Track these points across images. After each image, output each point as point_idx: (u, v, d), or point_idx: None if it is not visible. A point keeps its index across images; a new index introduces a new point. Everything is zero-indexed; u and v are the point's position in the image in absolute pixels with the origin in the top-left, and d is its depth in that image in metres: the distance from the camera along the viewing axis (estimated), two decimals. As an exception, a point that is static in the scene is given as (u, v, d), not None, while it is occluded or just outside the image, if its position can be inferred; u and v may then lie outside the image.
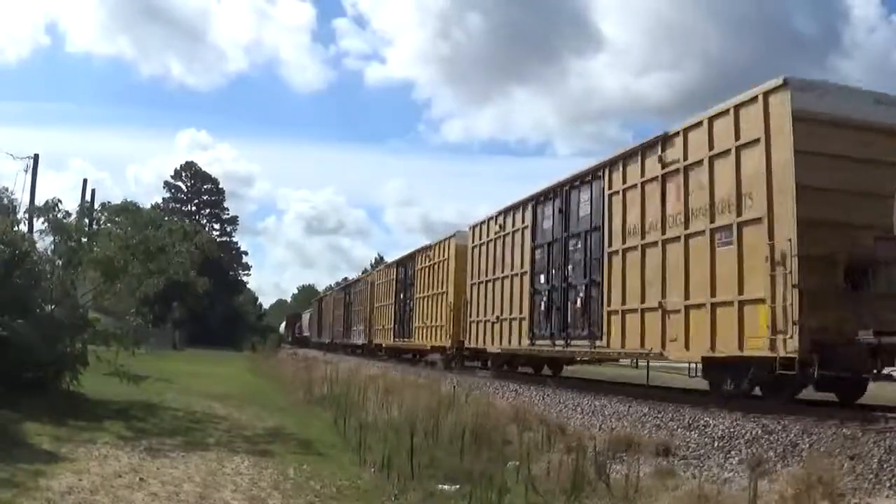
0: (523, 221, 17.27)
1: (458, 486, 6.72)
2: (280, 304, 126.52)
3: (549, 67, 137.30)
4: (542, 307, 15.86)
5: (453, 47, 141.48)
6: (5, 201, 13.70)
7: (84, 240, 13.05)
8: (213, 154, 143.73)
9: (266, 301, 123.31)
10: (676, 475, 7.50)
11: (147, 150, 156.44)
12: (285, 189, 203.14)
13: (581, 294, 14.28)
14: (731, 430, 8.74)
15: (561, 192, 15.46)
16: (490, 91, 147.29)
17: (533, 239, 16.63)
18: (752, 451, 7.95)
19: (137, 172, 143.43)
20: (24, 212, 13.93)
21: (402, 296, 29.09)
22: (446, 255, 23.37)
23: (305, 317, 70.61)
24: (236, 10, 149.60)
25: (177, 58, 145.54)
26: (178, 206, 72.42)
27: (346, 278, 71.54)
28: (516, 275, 17.34)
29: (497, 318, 18.15)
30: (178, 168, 77.53)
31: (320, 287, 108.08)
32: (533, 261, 16.56)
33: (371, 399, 13.34)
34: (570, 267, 14.83)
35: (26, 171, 19.51)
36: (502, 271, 18.10)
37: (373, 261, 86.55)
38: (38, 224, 13.31)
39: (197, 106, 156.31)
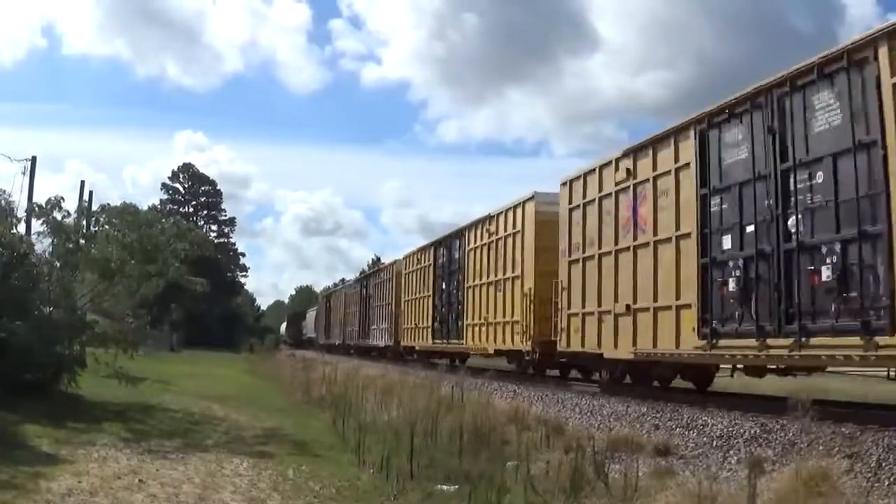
0: (677, 159, 11.45)
1: (457, 487, 6.73)
2: (278, 305, 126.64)
3: (544, 67, 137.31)
4: (732, 286, 10.15)
5: (449, 48, 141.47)
6: (3, 203, 13.64)
7: (82, 241, 13.06)
8: (209, 155, 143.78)
9: (264, 302, 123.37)
10: (675, 474, 7.51)
11: (144, 152, 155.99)
12: (282, 190, 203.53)
13: (832, 258, 8.69)
14: (730, 429, 8.77)
15: (766, 102, 9.71)
16: (486, 91, 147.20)
17: (702, 182, 10.84)
18: (751, 450, 7.98)
19: (134, 174, 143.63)
20: (25, 210, 13.91)
21: (444, 285, 23.08)
22: (518, 226, 17.31)
23: (310, 315, 65.06)
24: (232, 12, 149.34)
25: (173, 59, 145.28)
26: (175, 207, 72.36)
27: (343, 279, 71.26)
28: (666, 240, 11.52)
29: (627, 307, 12.38)
30: (176, 170, 77.54)
31: (318, 288, 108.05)
32: (704, 215, 10.76)
33: (369, 400, 13.34)
34: (797, 217, 9.14)
35: (24, 174, 19.51)
36: (634, 238, 12.40)
37: (370, 261, 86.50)
38: (37, 225, 13.32)
39: (193, 107, 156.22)
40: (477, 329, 19.69)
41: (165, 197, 75.12)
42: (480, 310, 19.42)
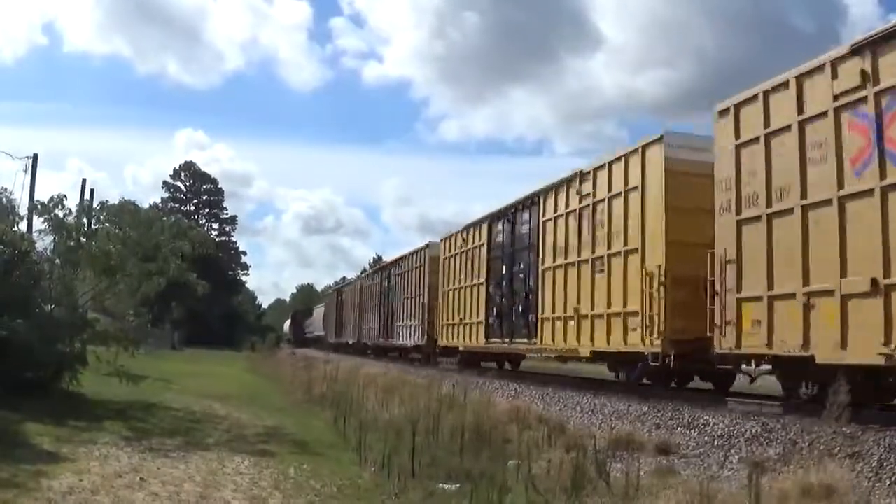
0: None
1: (458, 485, 6.71)
2: (279, 303, 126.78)
3: (545, 66, 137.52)
4: None
5: (449, 46, 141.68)
6: (4, 201, 13.68)
7: (83, 239, 13.07)
8: (210, 154, 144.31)
9: (265, 301, 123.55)
10: (677, 474, 7.51)
11: (144, 150, 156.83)
12: (283, 189, 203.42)
13: None
14: (731, 428, 8.77)
15: None
16: (487, 90, 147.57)
17: None
18: (752, 449, 7.97)
19: (135, 172, 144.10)
20: (27, 208, 13.95)
21: (503, 269, 18.61)
22: (635, 181, 12.86)
23: (318, 312, 61.97)
24: (233, 9, 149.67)
25: (173, 57, 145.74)
26: (177, 205, 72.42)
27: (344, 277, 71.01)
28: None
29: (873, 284, 8.25)
30: (177, 168, 77.68)
31: (319, 286, 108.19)
32: None
33: (370, 398, 13.34)
34: None
35: (25, 171, 19.58)
36: (881, 174, 8.38)
37: (371, 260, 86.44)
38: (38, 223, 13.35)
39: (194, 105, 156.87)
40: (560, 324, 15.16)
41: (167, 195, 75.29)
42: (566, 298, 14.92)
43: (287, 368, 24.79)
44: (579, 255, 14.58)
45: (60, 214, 12.67)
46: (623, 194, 13.22)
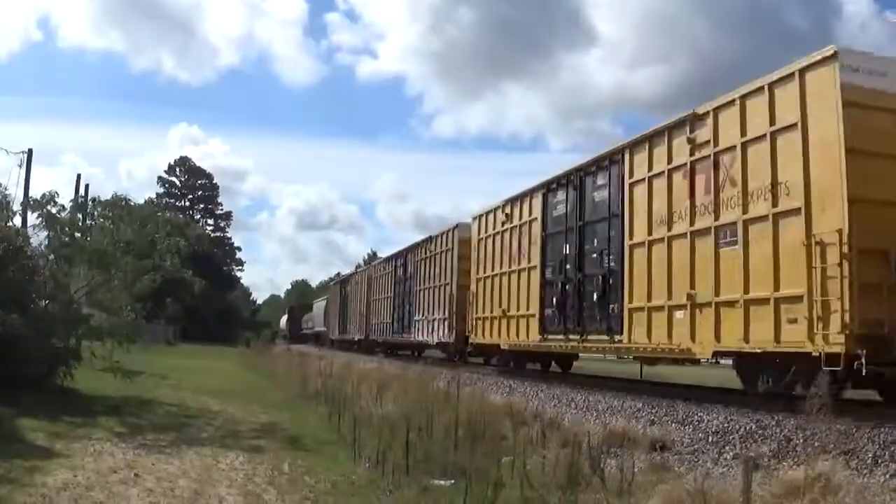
0: None
1: (452, 481, 6.72)
2: (274, 299, 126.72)
3: (540, 62, 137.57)
4: None
5: (445, 42, 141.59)
6: (-1, 196, 13.65)
7: (77, 235, 13.04)
8: (204, 149, 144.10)
9: (260, 297, 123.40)
10: (671, 470, 7.52)
11: (139, 146, 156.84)
12: (277, 184, 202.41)
13: None
14: (726, 425, 8.79)
15: None
16: (482, 86, 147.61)
17: None
18: (747, 446, 7.99)
19: (130, 167, 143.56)
20: (21, 204, 13.94)
21: (566, 248, 15.00)
22: (790, 119, 9.49)
23: (318, 306, 57.43)
24: (228, 4, 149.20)
25: (169, 52, 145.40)
26: (172, 201, 72.30)
27: (338, 273, 70.76)
28: None
29: None
30: (172, 163, 77.69)
31: (314, 282, 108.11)
32: None
33: (365, 395, 13.33)
34: None
35: (20, 167, 19.53)
36: None
37: (366, 256, 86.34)
38: (32, 219, 13.31)
39: (189, 101, 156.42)
40: (661, 316, 11.72)
41: (162, 190, 75.18)
42: (671, 282, 11.50)
43: (282, 364, 24.76)
44: (692, 223, 11.12)
45: (53, 211, 12.65)
46: (769, 137, 9.78)
